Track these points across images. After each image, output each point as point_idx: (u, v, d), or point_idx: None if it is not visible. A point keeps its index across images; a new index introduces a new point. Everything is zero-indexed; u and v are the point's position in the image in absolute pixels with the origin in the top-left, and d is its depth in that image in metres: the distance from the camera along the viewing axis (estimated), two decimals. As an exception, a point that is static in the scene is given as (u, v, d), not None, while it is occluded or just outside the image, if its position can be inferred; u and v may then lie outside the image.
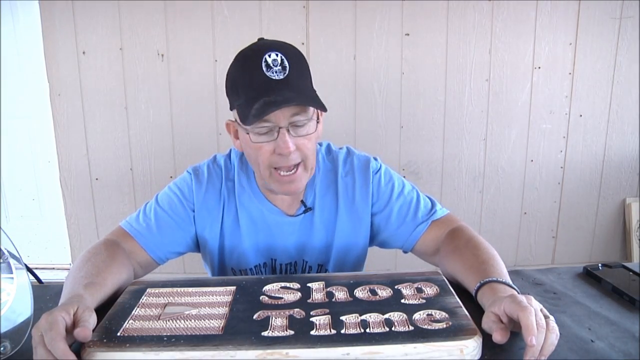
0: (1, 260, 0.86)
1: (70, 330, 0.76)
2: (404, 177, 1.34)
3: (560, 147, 2.86)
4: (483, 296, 0.89)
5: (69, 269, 2.95)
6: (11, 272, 0.86)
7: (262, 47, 1.04)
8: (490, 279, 0.91)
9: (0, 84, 2.85)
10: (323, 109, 1.06)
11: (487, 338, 0.78)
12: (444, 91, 2.76)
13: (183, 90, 2.72)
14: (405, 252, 1.26)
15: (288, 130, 1.05)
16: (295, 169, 1.10)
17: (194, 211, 1.21)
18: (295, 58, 1.05)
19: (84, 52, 2.67)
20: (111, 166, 2.82)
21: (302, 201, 1.22)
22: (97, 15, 2.63)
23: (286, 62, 1.02)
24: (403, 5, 2.64)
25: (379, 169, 1.26)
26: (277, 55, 1.02)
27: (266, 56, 1.01)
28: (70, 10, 2.62)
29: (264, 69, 1.01)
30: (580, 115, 2.81)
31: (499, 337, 0.77)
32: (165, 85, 2.71)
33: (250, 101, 1.01)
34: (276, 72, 1.01)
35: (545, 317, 0.76)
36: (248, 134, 1.06)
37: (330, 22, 2.64)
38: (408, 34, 2.67)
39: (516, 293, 0.83)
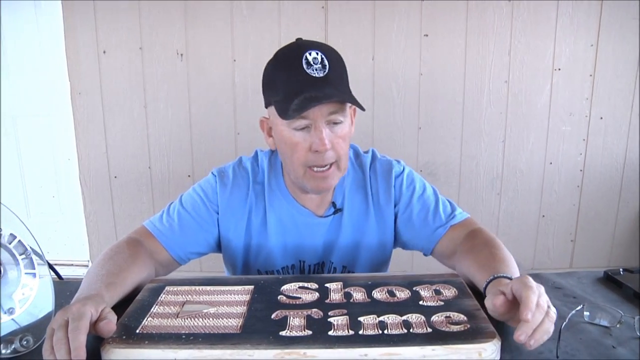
0: (24, 256, 0.87)
1: (90, 327, 0.77)
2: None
3: (579, 149, 2.83)
4: (492, 288, 0.89)
5: (87, 266, 3.00)
6: (33, 268, 0.88)
7: (302, 45, 1.07)
8: (502, 274, 0.91)
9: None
10: (362, 107, 1.08)
11: (505, 341, 0.77)
12: (462, 92, 2.74)
13: (202, 90, 2.74)
14: (425, 254, 1.26)
15: (325, 127, 1.07)
16: (329, 167, 1.11)
17: (217, 213, 1.22)
18: (334, 58, 1.08)
19: (104, 52, 2.69)
20: (130, 165, 2.84)
21: (332, 202, 1.24)
22: (118, 15, 2.66)
23: (326, 61, 1.05)
24: (422, 6, 2.63)
25: (402, 172, 1.27)
26: (317, 54, 1.05)
27: (307, 54, 1.04)
28: (92, 10, 2.64)
29: (305, 66, 1.03)
30: (601, 118, 2.78)
31: (498, 301, 0.79)
32: (184, 84, 2.73)
33: (291, 97, 1.03)
34: (316, 69, 1.04)
35: (548, 306, 0.77)
36: (285, 129, 1.08)
37: (349, 23, 2.64)
38: (427, 35, 2.66)
39: (528, 276, 0.83)
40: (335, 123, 1.08)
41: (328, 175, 1.12)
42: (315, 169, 1.11)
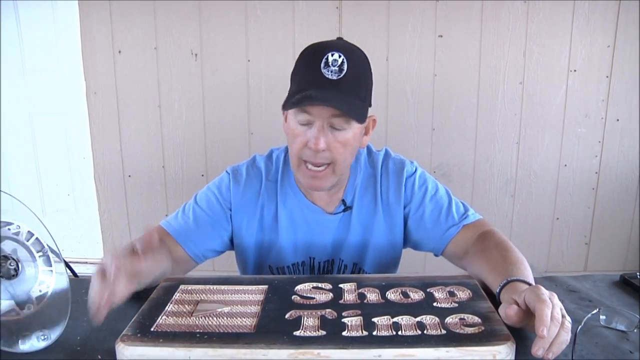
0: (41, 254, 0.88)
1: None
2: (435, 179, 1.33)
3: (595, 152, 2.80)
4: (506, 294, 0.88)
5: (101, 264, 3.01)
6: (50, 266, 0.89)
7: (329, 44, 1.07)
8: (516, 278, 0.91)
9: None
10: (358, 120, 1.07)
11: (520, 344, 0.76)
12: (476, 93, 2.72)
13: (216, 90, 2.75)
14: (436, 255, 1.26)
15: (324, 128, 1.07)
16: (324, 168, 1.12)
17: (230, 210, 1.24)
18: (357, 63, 1.08)
19: (119, 51, 2.71)
20: (144, 164, 2.86)
21: (342, 200, 1.24)
22: (133, 15, 2.68)
23: (345, 65, 1.04)
24: (437, 7, 2.62)
25: (414, 172, 1.27)
26: (339, 56, 1.04)
27: (329, 54, 1.04)
28: (107, 10, 2.66)
29: (322, 65, 1.04)
30: (617, 120, 2.74)
31: (511, 312, 0.79)
32: (198, 84, 2.74)
33: (297, 91, 1.05)
34: (332, 72, 1.04)
35: (562, 316, 0.76)
36: (292, 119, 1.10)
37: (363, 23, 2.64)
38: (441, 36, 2.65)
39: (540, 287, 0.82)
40: (336, 128, 1.08)
41: (319, 176, 1.12)
42: (308, 165, 1.12)
